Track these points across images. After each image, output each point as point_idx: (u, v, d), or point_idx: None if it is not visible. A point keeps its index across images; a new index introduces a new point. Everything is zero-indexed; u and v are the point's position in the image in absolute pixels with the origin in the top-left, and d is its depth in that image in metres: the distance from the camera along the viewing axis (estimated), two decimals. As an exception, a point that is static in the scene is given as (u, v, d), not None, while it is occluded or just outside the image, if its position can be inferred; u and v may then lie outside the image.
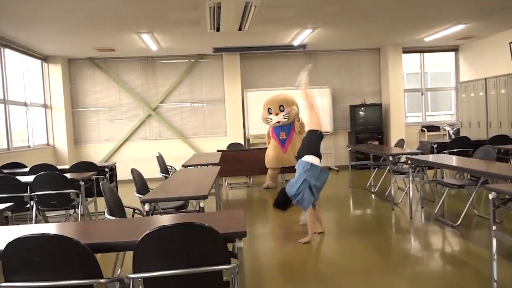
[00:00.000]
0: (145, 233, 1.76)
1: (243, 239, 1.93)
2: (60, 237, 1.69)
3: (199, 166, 5.27)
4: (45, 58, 8.64)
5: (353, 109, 9.58)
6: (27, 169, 5.60)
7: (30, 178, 4.46)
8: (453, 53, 10.27)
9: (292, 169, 6.96)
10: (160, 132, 9.53)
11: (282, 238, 4.47)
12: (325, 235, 4.47)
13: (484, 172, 3.65)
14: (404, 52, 9.82)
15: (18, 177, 4.50)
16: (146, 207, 2.94)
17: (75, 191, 4.42)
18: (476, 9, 6.55)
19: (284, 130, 7.19)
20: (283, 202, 4.34)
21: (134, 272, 1.80)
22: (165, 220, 2.43)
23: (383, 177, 6.93)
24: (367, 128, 9.53)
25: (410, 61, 10.40)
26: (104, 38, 7.33)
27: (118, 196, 3.22)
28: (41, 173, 4.42)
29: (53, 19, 5.89)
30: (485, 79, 8.50)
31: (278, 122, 7.28)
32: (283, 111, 7.25)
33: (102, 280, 1.75)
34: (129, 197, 3.90)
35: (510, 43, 8.22)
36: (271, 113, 7.36)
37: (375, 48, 9.93)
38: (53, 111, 8.78)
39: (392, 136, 9.61)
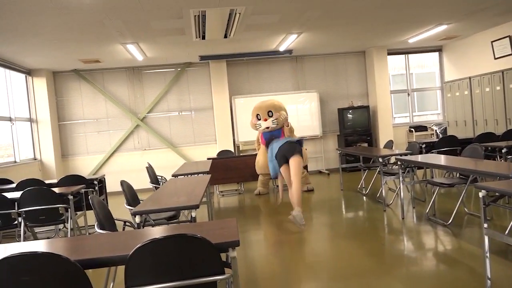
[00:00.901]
0: (136, 247, 1.73)
1: (238, 247, 1.91)
2: (49, 254, 1.65)
3: (189, 175, 5.23)
4: (29, 72, 8.54)
5: (341, 112, 9.64)
6: (14, 185, 5.50)
7: (17, 194, 4.38)
8: (437, 54, 10.41)
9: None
10: (149, 142, 9.46)
11: (276, 245, 4.44)
12: (320, 238, 4.46)
13: (473, 170, 3.69)
14: (389, 54, 9.93)
15: (4, 194, 4.42)
16: (137, 219, 2.90)
17: (63, 205, 4.35)
18: (457, 10, 6.66)
19: (274, 136, 7.17)
20: None
21: (126, 287, 1.76)
22: (157, 232, 2.40)
23: (373, 178, 6.97)
24: (356, 131, 9.59)
25: (395, 62, 10.52)
26: (89, 50, 7.27)
27: (108, 209, 3.17)
28: (29, 188, 4.34)
29: (35, 32, 5.82)
30: (470, 78, 8.62)
31: (267, 128, 7.28)
32: (271, 116, 7.26)
33: (94, 297, 1.71)
34: (120, 209, 3.86)
35: (492, 42, 8.37)
36: (259, 119, 7.35)
37: (361, 51, 10.02)
38: (39, 125, 8.66)
39: (380, 138, 9.68)
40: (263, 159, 7.35)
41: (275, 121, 7.13)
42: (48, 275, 1.66)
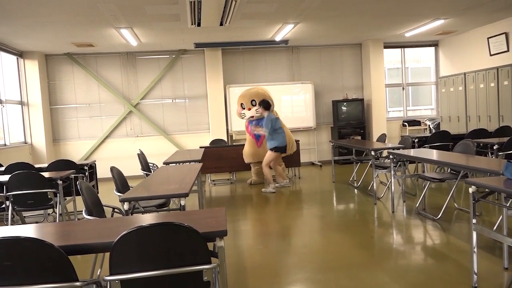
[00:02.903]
0: (122, 234, 1.70)
1: (228, 236, 1.89)
2: (31, 239, 1.62)
3: (181, 163, 5.19)
4: (21, 54, 8.40)
5: (336, 104, 9.62)
6: (2, 168, 5.44)
7: (5, 178, 4.33)
8: (433, 48, 10.40)
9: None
10: (142, 129, 9.39)
11: (266, 234, 4.45)
12: (309, 229, 4.47)
13: (463, 166, 3.69)
14: (385, 47, 9.90)
15: (-8, 177, 4.36)
16: (125, 206, 2.87)
17: (52, 190, 4.31)
18: (454, 5, 6.63)
19: (259, 125, 7.21)
20: None
21: (111, 274, 1.74)
22: (145, 219, 2.37)
23: (365, 171, 6.99)
24: (349, 123, 9.59)
25: (391, 56, 10.50)
26: (82, 33, 7.15)
27: (97, 195, 3.14)
28: (17, 172, 4.29)
29: (27, 13, 5.71)
30: (464, 73, 8.63)
31: (252, 117, 7.34)
32: (255, 105, 7.35)
33: (78, 284, 1.69)
34: (110, 195, 3.82)
35: (488, 38, 8.36)
36: (244, 108, 7.40)
37: (357, 43, 9.97)
38: (30, 108, 8.56)
39: (374, 131, 9.69)
40: (248, 148, 7.37)
41: (258, 110, 7.28)
42: (31, 260, 1.64)
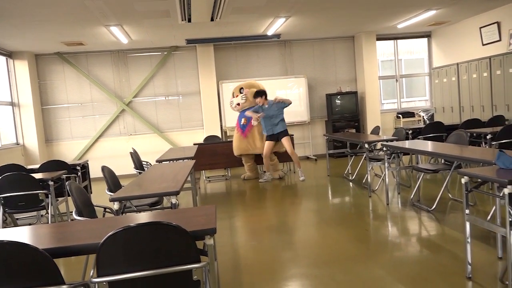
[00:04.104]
0: (108, 235, 1.67)
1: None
2: (14, 243, 1.58)
3: (174, 161, 5.16)
4: (10, 54, 8.31)
5: (329, 97, 9.60)
6: (-7, 171, 5.37)
7: (-5, 180, 4.27)
8: (425, 39, 10.38)
9: (260, 158, 7.22)
10: (135, 127, 9.33)
11: (262, 230, 4.43)
12: (304, 224, 4.45)
13: (456, 157, 3.68)
14: (378, 39, 9.87)
15: (-17, 179, 4.30)
16: (116, 205, 2.83)
17: (43, 191, 4.26)
18: (446, -5, 6.60)
19: (245, 116, 7.24)
20: None
21: (98, 276, 1.71)
22: (134, 219, 2.34)
23: (360, 164, 6.98)
24: (343, 116, 9.57)
25: (384, 48, 10.47)
26: (72, 32, 7.07)
27: (87, 195, 3.10)
28: (7, 174, 4.23)
29: (15, 13, 5.62)
30: (457, 64, 8.62)
31: (238, 104, 7.47)
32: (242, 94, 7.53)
33: (64, 287, 1.66)
34: (103, 195, 3.78)
35: (480, 28, 8.35)
36: (234, 97, 7.56)
37: (349, 36, 9.94)
38: (21, 109, 8.47)
39: (368, 123, 9.68)
40: (235, 140, 7.45)
41: (244, 96, 7.45)
42: (15, 264, 1.60)
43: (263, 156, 7.11)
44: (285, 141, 6.92)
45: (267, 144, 7.01)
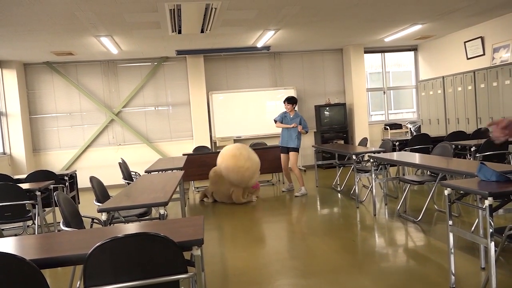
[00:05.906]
0: (95, 246, 1.69)
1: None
2: (1, 254, 1.59)
3: (163, 171, 5.16)
4: (-2, 63, 8.27)
5: (318, 109, 9.70)
6: (-21, 181, 5.31)
7: (-19, 190, 4.23)
8: (412, 53, 10.59)
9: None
10: (124, 137, 9.31)
11: (250, 241, 4.44)
12: (292, 235, 4.48)
13: (440, 169, 3.76)
14: (366, 52, 10.04)
15: (-32, 190, 4.26)
16: (104, 216, 2.84)
17: (30, 201, 4.23)
18: (431, 10, 6.77)
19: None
20: None
21: (85, 287, 1.72)
22: (122, 230, 2.35)
23: (348, 175, 7.04)
24: (332, 128, 9.67)
25: (372, 60, 10.64)
26: (61, 42, 7.08)
27: (75, 206, 3.10)
28: (-7, 184, 4.20)
29: (4, 22, 5.62)
30: (443, 77, 8.80)
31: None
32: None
33: (51, 298, 1.66)
34: (91, 205, 3.77)
35: (464, 42, 8.55)
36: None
37: (338, 48, 10.09)
38: (9, 118, 8.41)
39: (356, 135, 9.79)
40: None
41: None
42: (1, 275, 1.60)
43: (283, 169, 7.12)
44: (291, 155, 6.88)
45: (282, 157, 7.03)
